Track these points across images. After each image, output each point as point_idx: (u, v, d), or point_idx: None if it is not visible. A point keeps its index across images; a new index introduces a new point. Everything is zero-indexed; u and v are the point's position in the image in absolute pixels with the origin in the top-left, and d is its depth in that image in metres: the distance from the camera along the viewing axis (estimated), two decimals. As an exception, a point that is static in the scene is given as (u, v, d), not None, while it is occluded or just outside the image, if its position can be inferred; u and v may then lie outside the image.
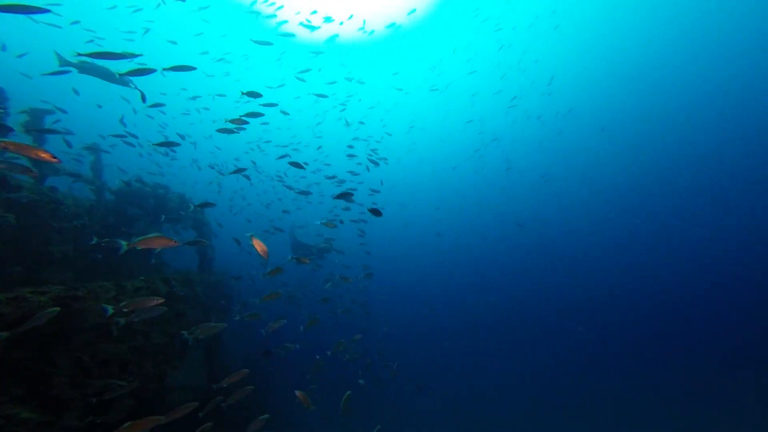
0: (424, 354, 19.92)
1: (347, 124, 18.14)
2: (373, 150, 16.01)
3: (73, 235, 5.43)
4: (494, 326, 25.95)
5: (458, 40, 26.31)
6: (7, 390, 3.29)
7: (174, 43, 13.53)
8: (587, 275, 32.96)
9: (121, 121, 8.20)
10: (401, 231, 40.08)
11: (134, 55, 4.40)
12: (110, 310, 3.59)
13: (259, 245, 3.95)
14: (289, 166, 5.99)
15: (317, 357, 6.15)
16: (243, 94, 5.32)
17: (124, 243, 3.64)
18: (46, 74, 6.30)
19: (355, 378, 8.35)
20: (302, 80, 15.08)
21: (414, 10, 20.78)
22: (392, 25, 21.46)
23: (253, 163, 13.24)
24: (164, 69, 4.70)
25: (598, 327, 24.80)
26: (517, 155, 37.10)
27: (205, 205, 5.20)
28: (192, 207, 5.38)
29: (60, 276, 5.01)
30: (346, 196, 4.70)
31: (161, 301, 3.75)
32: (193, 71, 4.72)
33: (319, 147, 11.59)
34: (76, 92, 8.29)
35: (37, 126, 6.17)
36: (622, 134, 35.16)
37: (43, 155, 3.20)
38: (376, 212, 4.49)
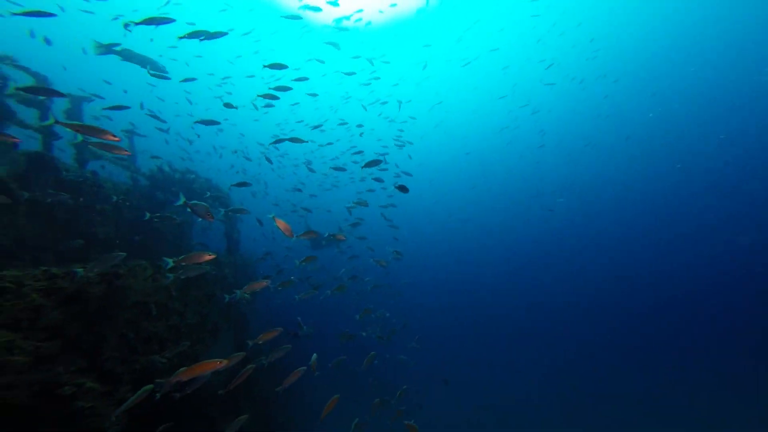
0: (449, 345, 19.17)
1: (365, 108, 17.68)
2: (400, 131, 15.50)
3: (114, 216, 5.70)
4: (523, 318, 24.73)
5: (487, 11, 24.12)
6: (74, 362, 3.55)
7: (192, 24, 13.66)
8: (639, 259, 29.94)
9: (142, 106, 8.50)
10: (429, 212, 39.21)
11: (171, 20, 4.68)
12: (170, 263, 3.82)
13: (282, 224, 3.90)
14: (315, 149, 5.94)
15: (346, 331, 6.31)
16: (265, 66, 5.26)
17: (182, 197, 3.96)
18: (100, 53, 6.65)
19: (381, 360, 8.35)
20: (321, 61, 14.68)
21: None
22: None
23: (277, 147, 13.38)
24: (201, 39, 5.07)
25: (642, 315, 22.86)
26: (552, 127, 33.92)
27: (241, 184, 5.39)
28: (229, 187, 5.61)
29: (105, 255, 5.29)
30: (375, 163, 4.59)
31: (212, 256, 3.94)
32: (218, 58, 4.76)
33: (344, 123, 11.44)
34: (108, 82, 8.63)
35: (77, 112, 6.44)
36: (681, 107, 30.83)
37: (109, 137, 3.37)
38: (403, 189, 4.31)
